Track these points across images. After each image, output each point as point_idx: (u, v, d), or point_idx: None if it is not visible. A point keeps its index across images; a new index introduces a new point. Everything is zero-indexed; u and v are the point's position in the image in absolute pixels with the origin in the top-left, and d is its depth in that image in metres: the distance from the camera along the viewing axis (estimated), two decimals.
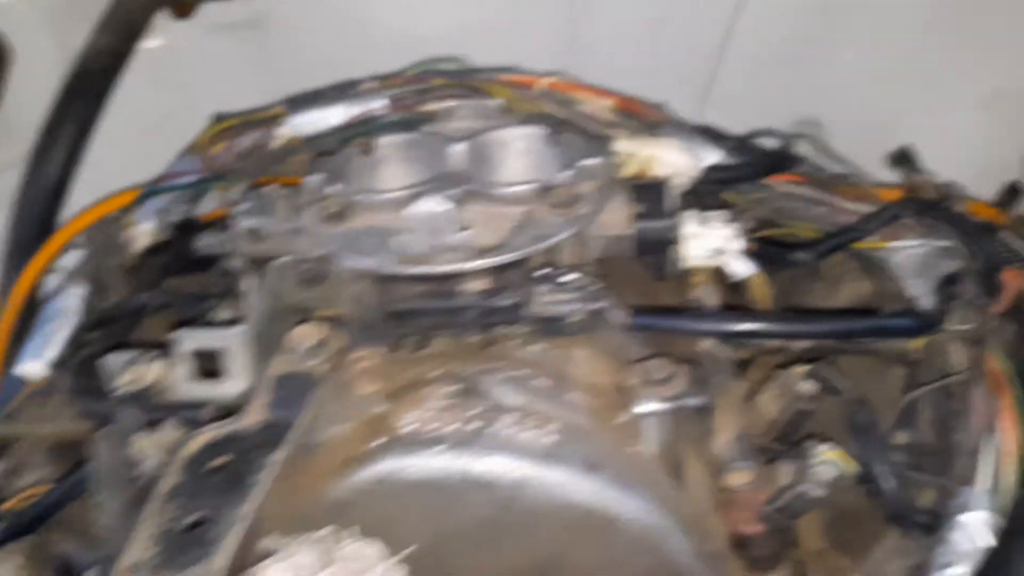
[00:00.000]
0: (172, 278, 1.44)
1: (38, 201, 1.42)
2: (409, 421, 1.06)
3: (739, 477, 1.06)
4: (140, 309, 1.38)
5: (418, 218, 1.08)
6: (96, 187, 1.48)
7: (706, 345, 1.18)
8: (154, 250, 1.46)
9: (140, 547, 0.90)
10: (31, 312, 1.35)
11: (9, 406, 1.28)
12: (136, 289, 1.41)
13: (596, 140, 1.24)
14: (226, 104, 1.59)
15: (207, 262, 1.31)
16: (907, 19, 1.56)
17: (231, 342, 1.05)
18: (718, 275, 1.26)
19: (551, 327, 1.09)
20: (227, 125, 1.45)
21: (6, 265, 1.43)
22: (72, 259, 1.40)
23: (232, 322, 1.09)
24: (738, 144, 1.43)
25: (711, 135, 1.40)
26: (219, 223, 1.29)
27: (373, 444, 1.05)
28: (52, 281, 1.40)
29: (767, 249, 1.27)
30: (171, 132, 1.56)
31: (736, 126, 1.55)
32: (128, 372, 1.08)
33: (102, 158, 1.48)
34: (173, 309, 1.34)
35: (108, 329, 1.34)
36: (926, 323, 1.15)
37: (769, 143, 1.47)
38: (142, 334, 1.34)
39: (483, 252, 1.09)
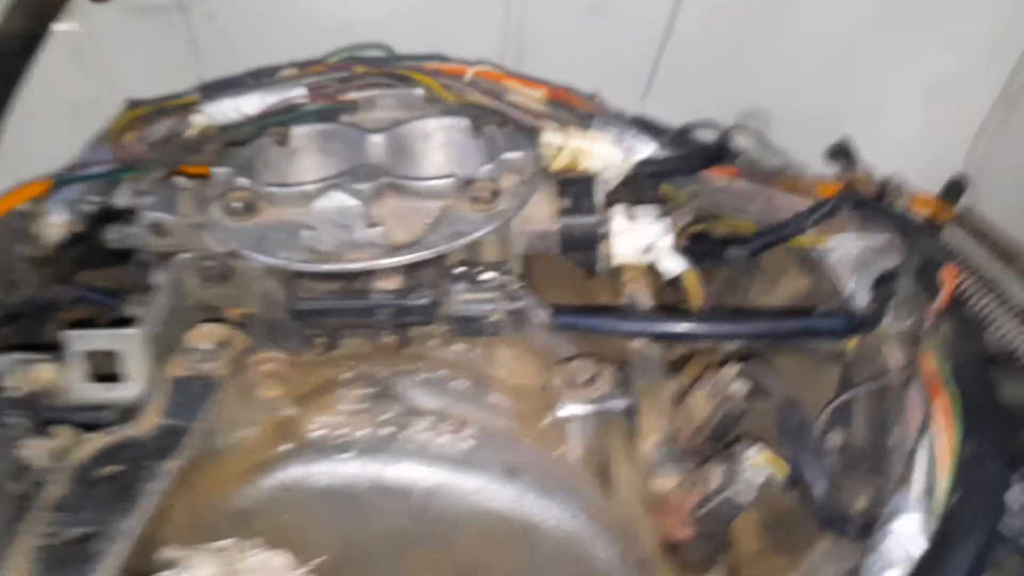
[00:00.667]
0: (86, 271, 1.39)
1: None
2: (318, 426, 1.03)
3: (665, 481, 1.03)
4: (51, 304, 1.34)
5: (328, 213, 1.02)
6: (11, 176, 1.42)
7: (636, 344, 1.14)
8: (68, 242, 1.40)
9: (17, 563, 0.84)
10: None
11: None
12: (48, 283, 1.35)
13: (521, 132, 1.19)
14: (148, 90, 1.53)
15: (124, 254, 1.24)
16: (852, 9, 1.53)
17: (125, 343, 0.99)
18: (653, 271, 1.21)
19: (468, 327, 1.04)
20: (139, 113, 1.38)
21: None
22: None
23: (129, 321, 1.03)
24: (675, 136, 1.38)
25: (646, 127, 1.36)
26: (129, 215, 1.23)
27: (279, 450, 1.01)
28: None
29: (700, 246, 1.23)
30: (91, 119, 1.50)
31: (679, 117, 1.52)
32: (16, 373, 1.01)
33: (17, 146, 1.41)
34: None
35: (17, 325, 1.29)
36: (857, 324, 1.12)
37: (707, 135, 1.43)
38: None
39: (396, 249, 1.04)
